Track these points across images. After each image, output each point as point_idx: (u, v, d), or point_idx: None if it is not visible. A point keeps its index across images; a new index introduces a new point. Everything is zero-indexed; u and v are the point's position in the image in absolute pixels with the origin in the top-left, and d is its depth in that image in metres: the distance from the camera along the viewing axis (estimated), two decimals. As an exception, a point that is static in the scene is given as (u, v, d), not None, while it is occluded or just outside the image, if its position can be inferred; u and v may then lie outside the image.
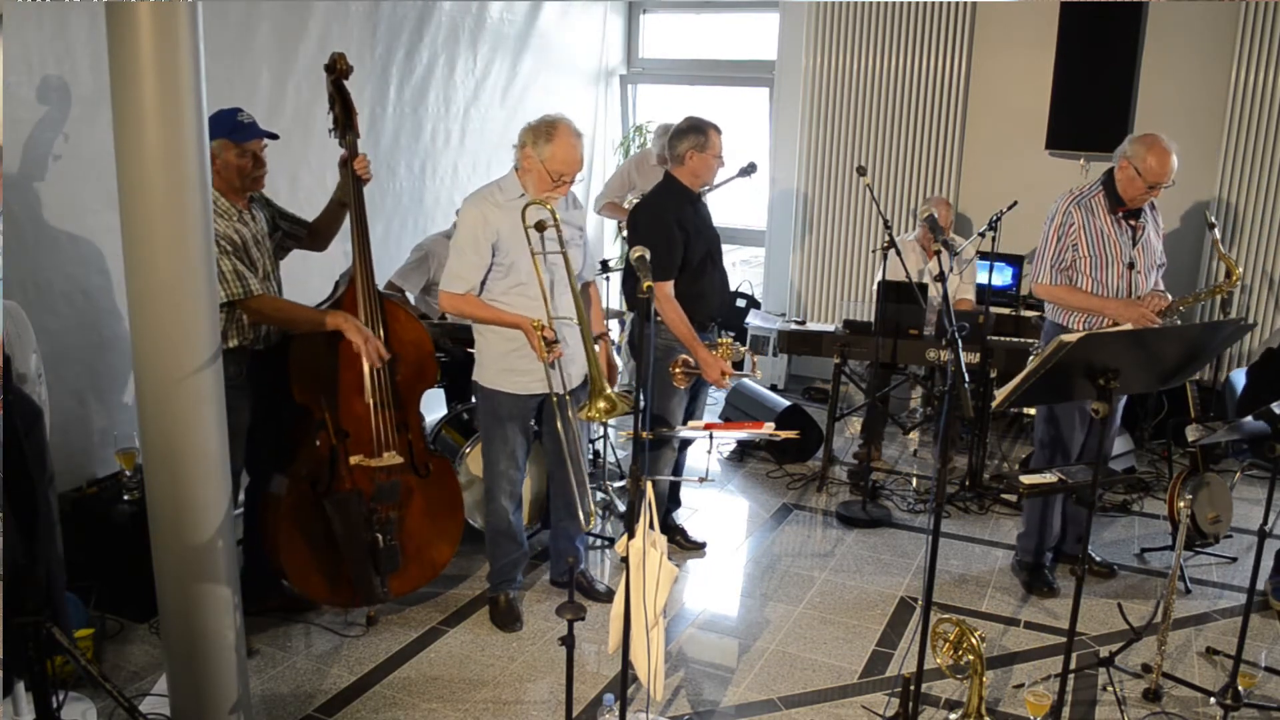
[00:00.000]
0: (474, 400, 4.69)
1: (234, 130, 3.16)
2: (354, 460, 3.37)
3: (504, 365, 3.41)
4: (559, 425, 3.41)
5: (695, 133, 3.80)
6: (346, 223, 3.44)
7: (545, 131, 3.22)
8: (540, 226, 3.07)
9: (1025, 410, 5.45)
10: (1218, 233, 4.29)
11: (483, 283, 3.35)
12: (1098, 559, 4.15)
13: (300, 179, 4.51)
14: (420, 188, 5.45)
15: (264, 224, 3.37)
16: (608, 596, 3.81)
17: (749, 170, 5.36)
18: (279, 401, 3.37)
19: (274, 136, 3.31)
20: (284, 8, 4.39)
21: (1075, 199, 3.76)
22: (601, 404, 2.70)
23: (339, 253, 3.77)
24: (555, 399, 3.34)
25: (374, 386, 3.36)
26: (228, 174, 3.18)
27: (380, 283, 4.56)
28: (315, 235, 3.60)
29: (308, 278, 4.01)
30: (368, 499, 3.39)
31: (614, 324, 5.10)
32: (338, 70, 3.29)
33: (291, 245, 3.56)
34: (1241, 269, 5.67)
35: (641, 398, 3.05)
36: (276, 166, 4.26)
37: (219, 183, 3.16)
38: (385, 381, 3.38)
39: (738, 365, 3.90)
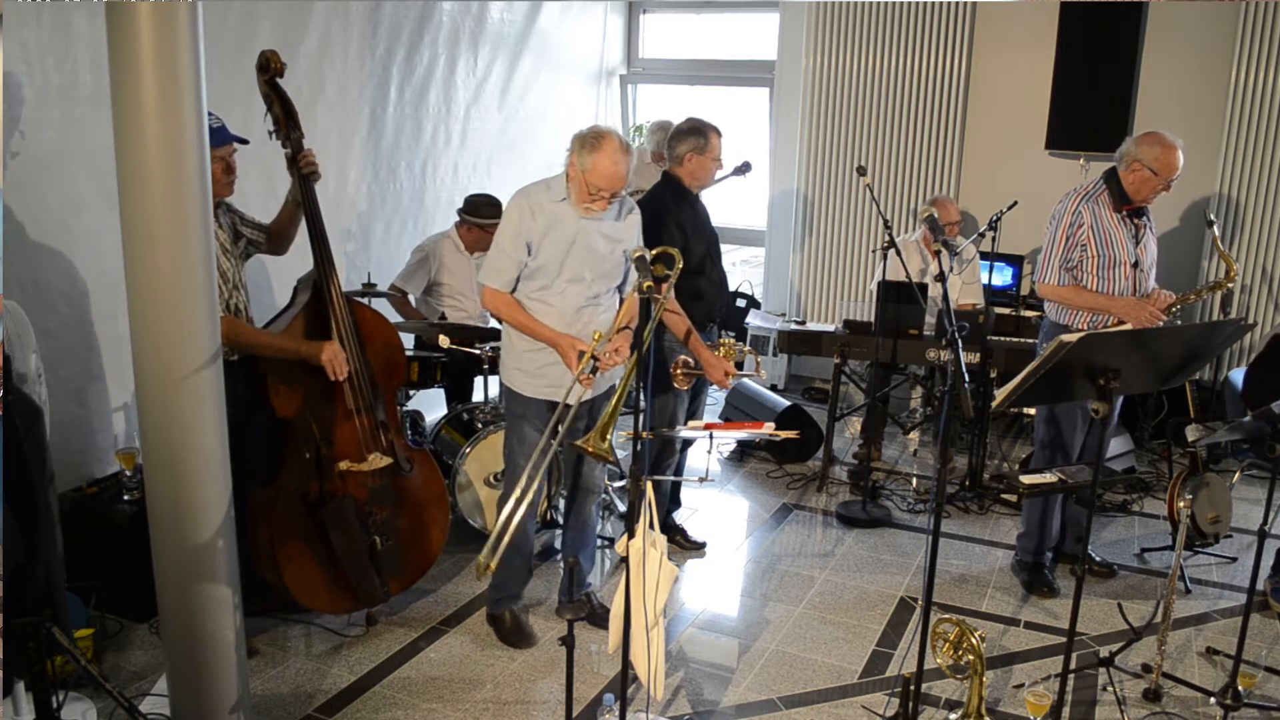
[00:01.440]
0: (475, 402, 4.72)
1: None
2: (342, 467, 3.36)
3: (518, 365, 3.37)
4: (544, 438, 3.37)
5: (695, 135, 3.80)
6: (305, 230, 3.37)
7: (591, 142, 3.13)
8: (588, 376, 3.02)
9: (1025, 410, 5.45)
10: (1217, 230, 4.29)
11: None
12: (1097, 559, 4.16)
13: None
14: (421, 188, 5.45)
15: (229, 231, 3.31)
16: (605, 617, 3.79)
17: (744, 169, 5.36)
18: (258, 416, 3.32)
19: (244, 141, 3.23)
20: (284, 8, 4.39)
21: (1083, 198, 3.73)
22: (595, 438, 2.64)
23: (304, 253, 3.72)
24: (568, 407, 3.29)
25: (354, 391, 3.35)
26: None
27: (384, 286, 4.59)
28: (273, 239, 3.51)
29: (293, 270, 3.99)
30: (362, 504, 3.39)
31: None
32: (271, 69, 3.19)
33: (254, 251, 3.49)
34: (1240, 266, 5.67)
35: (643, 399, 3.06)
36: (276, 168, 4.27)
37: None
38: (363, 384, 3.37)
39: (740, 366, 3.90)
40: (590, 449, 2.54)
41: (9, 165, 3.44)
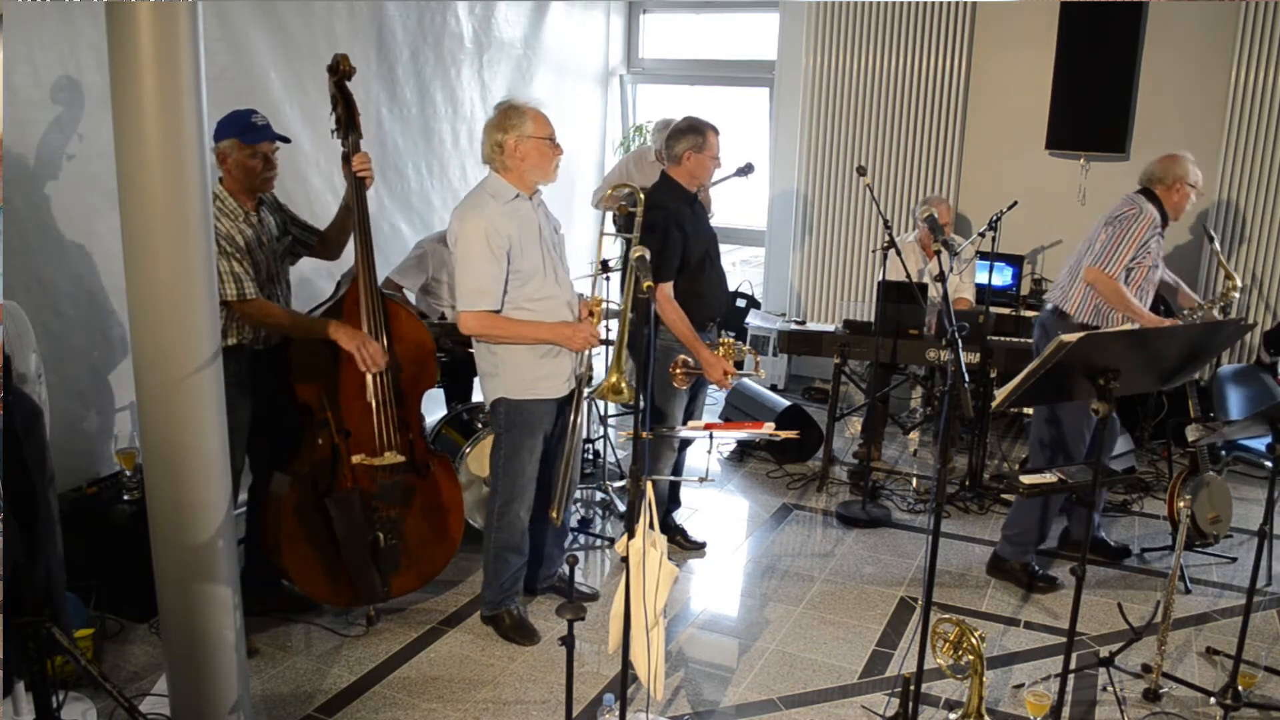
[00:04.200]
0: (475, 402, 4.71)
1: (245, 131, 3.18)
2: (355, 459, 3.37)
3: (538, 374, 3.31)
4: (572, 417, 3.40)
5: (693, 133, 3.80)
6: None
7: (513, 113, 3.21)
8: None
9: (1025, 410, 5.45)
10: (1217, 244, 4.41)
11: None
12: (1112, 542, 4.25)
13: (312, 180, 4.54)
14: (428, 188, 5.45)
15: (273, 227, 3.37)
16: (593, 597, 3.81)
17: (746, 170, 5.35)
18: (280, 400, 3.37)
19: (285, 140, 3.34)
20: (289, 9, 4.39)
21: (1155, 214, 3.83)
22: (613, 378, 2.75)
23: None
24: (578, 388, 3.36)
25: (376, 386, 3.37)
26: (238, 174, 3.20)
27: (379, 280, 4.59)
28: (326, 243, 3.60)
29: (314, 278, 4.01)
30: (370, 498, 3.40)
31: (614, 324, 5.10)
32: (340, 71, 3.29)
33: (303, 252, 3.56)
34: (1240, 266, 5.68)
35: (642, 398, 3.06)
36: (286, 168, 4.26)
37: (230, 183, 3.23)
38: (387, 381, 3.39)
39: (739, 365, 3.90)
40: (609, 396, 2.73)
41: (55, 168, 3.48)
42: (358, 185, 3.35)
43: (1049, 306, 4.07)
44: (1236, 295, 4.21)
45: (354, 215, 3.35)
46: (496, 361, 3.32)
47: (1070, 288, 3.95)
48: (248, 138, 3.18)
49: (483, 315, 3.20)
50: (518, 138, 3.19)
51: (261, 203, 3.35)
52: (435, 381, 3.84)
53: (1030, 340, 5.14)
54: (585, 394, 3.42)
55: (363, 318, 3.34)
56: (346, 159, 3.36)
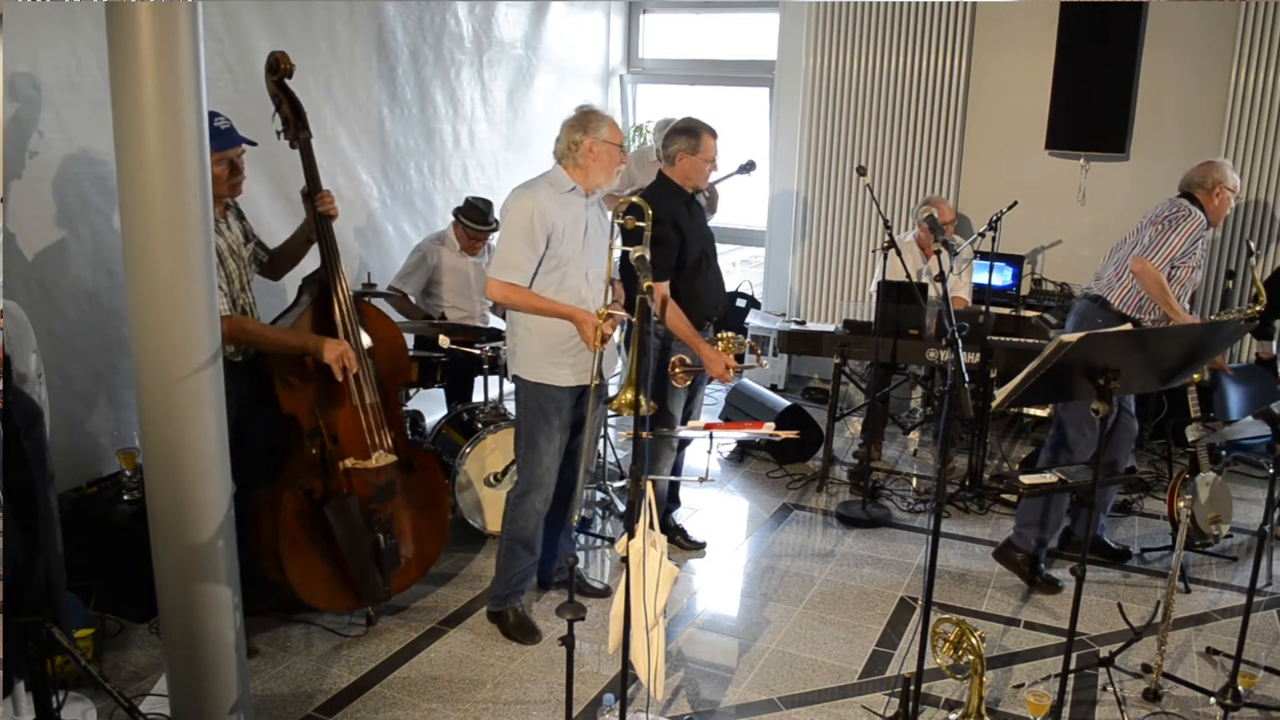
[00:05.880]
0: (475, 402, 4.71)
1: (214, 137, 3.07)
2: (346, 464, 3.37)
3: (551, 359, 3.38)
4: (588, 415, 3.42)
5: (688, 135, 3.80)
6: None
7: (594, 117, 3.37)
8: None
9: (1025, 410, 5.46)
10: (1254, 260, 4.47)
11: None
12: (1114, 545, 4.24)
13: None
14: (430, 189, 5.46)
15: (239, 234, 3.33)
16: (604, 592, 3.81)
17: (748, 168, 5.36)
18: (263, 413, 3.33)
19: (252, 143, 3.25)
20: (291, 9, 4.39)
21: (1200, 215, 3.86)
22: (628, 394, 2.76)
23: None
24: (595, 385, 3.35)
25: (358, 389, 3.36)
26: None
27: (382, 286, 4.59)
28: (277, 261, 3.55)
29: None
30: (366, 501, 3.40)
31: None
32: (280, 70, 3.24)
33: (254, 269, 3.50)
34: (1239, 266, 5.68)
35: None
36: (287, 173, 4.26)
37: None
38: (370, 382, 3.39)
39: (740, 359, 3.91)
40: (625, 409, 2.72)
41: (58, 168, 3.47)
42: (320, 221, 3.33)
43: (1089, 296, 4.06)
44: (1257, 316, 4.27)
45: (320, 242, 3.34)
46: (516, 341, 3.45)
47: (1116, 280, 3.96)
48: (217, 144, 3.03)
49: (506, 285, 3.32)
50: (594, 140, 3.33)
51: (227, 208, 3.29)
52: (410, 377, 3.84)
53: (1031, 340, 5.15)
54: (603, 400, 3.42)
55: (337, 319, 3.33)
56: (307, 196, 3.34)
